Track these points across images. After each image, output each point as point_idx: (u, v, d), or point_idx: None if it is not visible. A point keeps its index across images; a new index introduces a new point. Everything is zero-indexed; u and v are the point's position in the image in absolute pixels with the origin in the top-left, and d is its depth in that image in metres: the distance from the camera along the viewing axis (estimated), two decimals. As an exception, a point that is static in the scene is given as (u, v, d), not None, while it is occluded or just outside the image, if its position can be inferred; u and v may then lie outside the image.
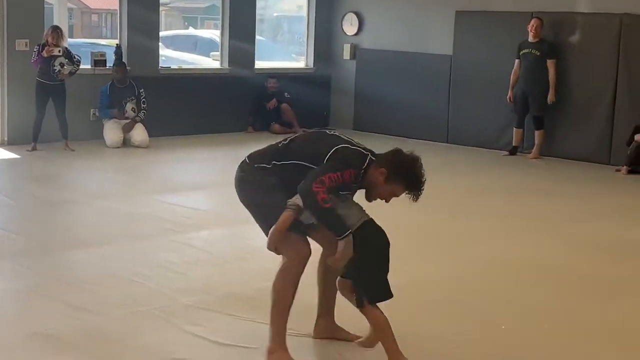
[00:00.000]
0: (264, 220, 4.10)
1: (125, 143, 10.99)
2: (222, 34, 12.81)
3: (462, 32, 12.15)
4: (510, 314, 5.04)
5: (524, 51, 11.18)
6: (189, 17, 18.09)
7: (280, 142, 4.25)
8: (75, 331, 4.47)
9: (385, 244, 4.04)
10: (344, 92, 13.66)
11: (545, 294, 5.45)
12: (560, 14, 11.22)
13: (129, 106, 11.08)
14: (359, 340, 4.20)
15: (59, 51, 10.15)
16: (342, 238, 3.89)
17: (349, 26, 13.55)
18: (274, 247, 4.00)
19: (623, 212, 8.24)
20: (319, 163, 3.97)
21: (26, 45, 10.52)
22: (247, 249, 6.21)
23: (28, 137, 10.27)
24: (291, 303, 4.05)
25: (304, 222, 4.02)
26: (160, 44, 12.26)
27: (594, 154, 11.00)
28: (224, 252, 6.28)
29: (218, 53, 13.03)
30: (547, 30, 11.15)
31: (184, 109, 12.07)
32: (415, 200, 4.06)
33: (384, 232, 4.05)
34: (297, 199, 3.98)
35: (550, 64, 11.03)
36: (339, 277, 4.14)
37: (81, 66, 10.56)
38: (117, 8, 11.74)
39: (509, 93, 11.37)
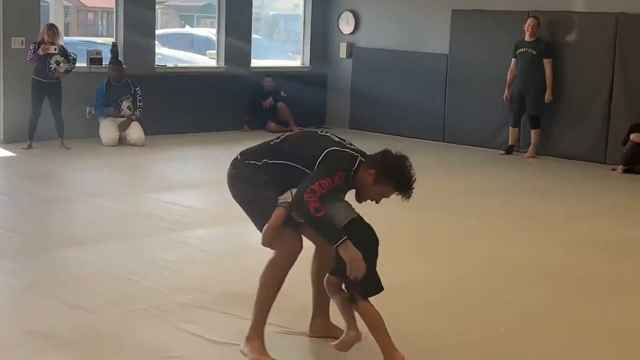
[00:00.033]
0: (257, 216, 4.15)
1: (121, 141, 10.98)
2: (218, 32, 12.80)
3: (458, 31, 12.15)
4: (509, 314, 5.05)
5: (520, 50, 11.19)
6: (185, 16, 18.08)
7: (273, 140, 4.29)
8: (71, 329, 4.47)
9: (374, 240, 4.05)
10: (340, 90, 13.66)
11: (544, 294, 5.46)
12: (557, 13, 11.23)
13: (124, 104, 11.07)
14: (334, 343, 4.15)
15: (55, 49, 10.13)
16: (337, 246, 3.89)
17: (345, 25, 13.55)
18: (268, 243, 4.05)
19: (619, 211, 8.25)
20: (309, 165, 4.02)
21: (22, 43, 10.51)
22: (243, 247, 6.20)
23: (24, 135, 10.25)
24: (274, 297, 4.12)
25: (296, 219, 4.04)
26: (156, 42, 12.24)
27: (589, 153, 11.02)
28: (220, 250, 6.28)
29: (214, 51, 13.03)
30: (543, 29, 11.17)
31: (180, 107, 12.06)
32: (407, 200, 4.07)
33: (372, 229, 4.06)
34: (287, 196, 4.02)
35: (546, 63, 11.05)
36: (327, 275, 4.16)
37: (77, 64, 10.53)
38: (113, 6, 11.72)
39: (506, 92, 11.38)
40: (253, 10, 13.20)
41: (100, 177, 9.17)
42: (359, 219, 4.04)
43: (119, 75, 11.07)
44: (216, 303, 4.90)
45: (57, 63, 10.17)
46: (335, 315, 4.38)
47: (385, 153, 4.09)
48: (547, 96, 11.07)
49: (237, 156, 4.26)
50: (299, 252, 4.08)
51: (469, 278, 5.75)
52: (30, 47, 10.17)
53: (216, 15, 12.84)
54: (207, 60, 13.73)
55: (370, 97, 13.18)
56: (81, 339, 4.36)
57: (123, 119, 11.03)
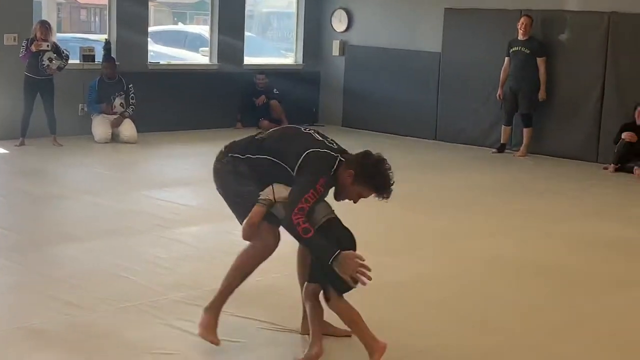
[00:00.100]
0: (238, 209, 4.22)
1: (114, 138, 10.97)
2: (211, 29, 12.80)
3: (451, 30, 12.17)
4: (504, 312, 5.06)
5: (513, 49, 11.21)
6: (178, 13, 18.02)
7: (257, 134, 4.36)
8: (63, 326, 4.47)
9: (351, 240, 4.08)
10: (333, 88, 13.67)
11: (537, 292, 5.48)
12: (549, 12, 11.26)
13: (117, 101, 11.06)
14: (299, 359, 4.11)
15: (48, 46, 10.12)
16: (332, 261, 3.90)
17: (338, 23, 13.56)
18: (247, 238, 4.13)
19: (610, 209, 8.28)
20: (289, 163, 4.07)
21: (15, 39, 10.49)
22: (235, 244, 6.13)
23: (16, 132, 10.24)
24: (238, 284, 4.23)
25: (277, 215, 4.08)
26: (149, 39, 12.23)
27: (581, 151, 11.06)
28: (212, 247, 6.28)
29: (207, 49, 13.02)
30: (536, 28, 11.19)
31: (172, 104, 12.06)
32: (386, 200, 4.10)
33: (349, 230, 4.11)
34: (268, 192, 4.06)
35: (540, 61, 11.08)
36: (305, 283, 4.18)
37: (70, 61, 10.52)
38: (106, 3, 11.71)
39: (499, 91, 11.40)
40: (246, 7, 13.20)
41: (92, 174, 9.16)
42: (336, 220, 4.09)
43: (112, 72, 11.06)
44: (208, 300, 4.88)
45: (50, 60, 10.15)
46: (327, 312, 4.38)
47: (365, 154, 4.12)
48: (541, 94, 11.10)
49: (222, 149, 4.33)
50: (274, 249, 4.15)
51: (461, 276, 5.76)
52: (23, 44, 10.15)
53: (209, 12, 12.83)
54: (200, 58, 13.71)
55: (363, 95, 13.19)
56: (73, 336, 4.36)
57: (116, 116, 11.02)
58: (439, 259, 6.20)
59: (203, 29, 14.00)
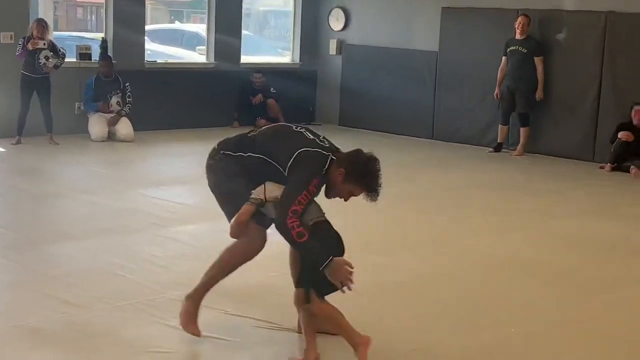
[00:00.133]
0: (227, 207, 4.25)
1: (110, 137, 10.96)
2: (208, 28, 12.78)
3: (448, 29, 12.17)
4: (503, 311, 5.07)
5: (511, 48, 11.21)
6: (175, 11, 18.00)
7: (250, 132, 4.36)
8: (60, 325, 4.47)
9: (338, 245, 4.08)
10: (330, 87, 13.67)
11: (532, 290, 5.48)
12: (547, 11, 11.26)
13: (114, 100, 11.05)
14: None
15: (44, 44, 10.11)
16: (324, 267, 3.91)
17: (336, 22, 13.56)
18: (235, 236, 4.16)
19: (606, 208, 8.29)
20: (281, 162, 4.07)
21: (11, 38, 10.48)
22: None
23: (12, 131, 10.22)
24: (218, 280, 4.29)
25: (267, 215, 4.10)
26: (146, 37, 12.22)
27: (578, 151, 11.07)
28: (209, 246, 6.23)
29: (204, 47, 13.01)
30: (533, 27, 11.20)
31: (169, 103, 12.05)
32: (374, 201, 4.10)
33: (338, 234, 4.11)
34: (260, 191, 4.06)
35: (537, 61, 11.08)
36: (295, 290, 4.16)
37: (66, 59, 10.52)
38: (103, 1, 11.70)
39: (497, 90, 11.41)
40: (243, 6, 13.19)
41: (89, 172, 9.16)
42: (325, 223, 4.09)
43: (109, 70, 11.05)
44: (204, 299, 4.88)
45: (46, 58, 10.14)
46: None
47: (356, 153, 4.13)
48: (539, 94, 11.11)
49: (215, 146, 4.34)
50: (259, 250, 4.18)
51: (458, 275, 5.76)
52: (20, 42, 10.14)
53: (206, 11, 12.81)
54: (196, 56, 13.71)
55: (360, 94, 13.19)
56: (70, 334, 4.36)
57: (112, 115, 11.01)
58: (435, 258, 6.20)
59: (200, 28, 14.00)
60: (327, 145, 4.16)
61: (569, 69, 11.07)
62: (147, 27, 12.49)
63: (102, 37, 11.55)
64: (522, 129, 11.30)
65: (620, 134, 10.23)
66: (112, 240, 6.26)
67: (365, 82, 13.12)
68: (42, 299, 4.84)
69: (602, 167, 10.44)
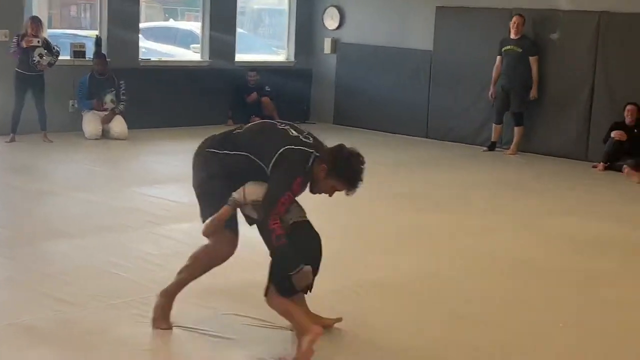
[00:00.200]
0: (204, 205, 4.29)
1: (104, 135, 10.95)
2: (202, 26, 12.78)
3: (442, 28, 12.19)
4: (496, 308, 5.09)
5: (505, 48, 11.24)
6: (169, 9, 17.97)
7: (235, 129, 4.36)
8: (54, 323, 4.47)
9: (315, 244, 4.09)
10: (325, 86, 13.68)
11: (525, 288, 5.50)
12: (541, 11, 11.29)
13: (108, 98, 11.04)
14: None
15: (39, 42, 10.09)
16: (294, 274, 3.93)
17: (330, 20, 13.57)
18: (206, 235, 4.19)
19: (599, 207, 8.31)
20: (264, 160, 4.07)
21: (5, 35, 10.46)
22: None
23: (6, 128, 10.21)
24: (187, 283, 4.36)
25: (249, 215, 4.12)
26: (140, 35, 12.21)
27: (571, 150, 11.10)
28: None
29: (198, 45, 13.01)
30: (527, 27, 11.22)
31: (163, 101, 12.04)
32: (351, 194, 4.12)
33: (317, 235, 4.11)
34: (240, 193, 4.06)
35: (532, 60, 11.11)
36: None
37: (60, 57, 10.50)
38: (97, -1, 11.70)
39: (491, 89, 11.43)
40: (237, 4, 13.18)
41: (83, 170, 9.15)
42: (305, 224, 4.09)
43: (103, 68, 11.04)
44: (199, 297, 4.90)
45: (41, 56, 10.13)
46: (316, 307, 4.40)
47: (339, 148, 4.14)
48: (533, 93, 11.14)
49: (201, 143, 4.36)
50: (228, 257, 4.24)
51: (452, 273, 5.78)
52: (14, 40, 10.13)
53: (200, 9, 12.82)
54: (191, 55, 13.69)
55: (355, 93, 13.20)
56: (64, 332, 4.36)
57: (106, 113, 11.00)
58: (429, 256, 6.21)
59: (194, 26, 13.98)
60: (311, 142, 4.15)
61: (562, 69, 11.10)
62: (141, 25, 12.47)
63: (97, 35, 11.53)
64: (516, 128, 11.32)
65: (614, 134, 10.26)
66: (107, 238, 6.26)
67: (360, 81, 13.13)
68: (36, 296, 4.84)
69: (595, 167, 10.47)
